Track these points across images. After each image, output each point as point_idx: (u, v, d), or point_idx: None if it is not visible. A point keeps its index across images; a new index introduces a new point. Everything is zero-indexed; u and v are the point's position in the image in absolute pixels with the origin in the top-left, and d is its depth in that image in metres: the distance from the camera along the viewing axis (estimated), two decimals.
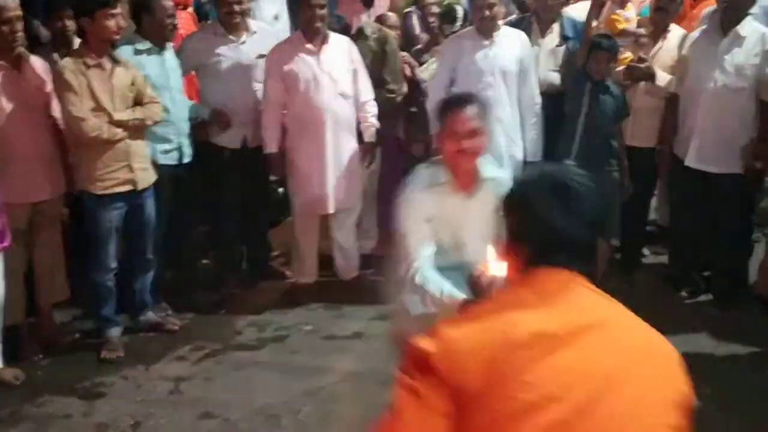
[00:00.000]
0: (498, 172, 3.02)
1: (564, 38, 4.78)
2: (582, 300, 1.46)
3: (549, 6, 4.76)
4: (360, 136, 4.63)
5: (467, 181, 2.94)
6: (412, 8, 6.02)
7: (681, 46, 4.54)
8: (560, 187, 1.53)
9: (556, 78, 4.77)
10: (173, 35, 4.39)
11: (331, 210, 4.56)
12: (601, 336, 1.40)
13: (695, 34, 4.46)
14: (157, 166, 4.13)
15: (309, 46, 4.40)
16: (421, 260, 2.87)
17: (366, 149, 4.67)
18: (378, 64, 4.77)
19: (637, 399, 1.35)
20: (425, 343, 1.38)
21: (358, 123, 4.61)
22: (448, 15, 5.28)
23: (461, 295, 2.70)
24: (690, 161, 4.33)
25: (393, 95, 4.82)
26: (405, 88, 4.97)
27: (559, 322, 1.38)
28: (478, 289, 2.47)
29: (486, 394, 1.31)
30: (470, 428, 1.32)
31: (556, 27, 4.79)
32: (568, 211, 1.50)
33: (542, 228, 1.50)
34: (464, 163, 2.89)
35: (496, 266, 2.30)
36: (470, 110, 2.85)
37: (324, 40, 4.42)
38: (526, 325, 1.36)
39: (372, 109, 4.62)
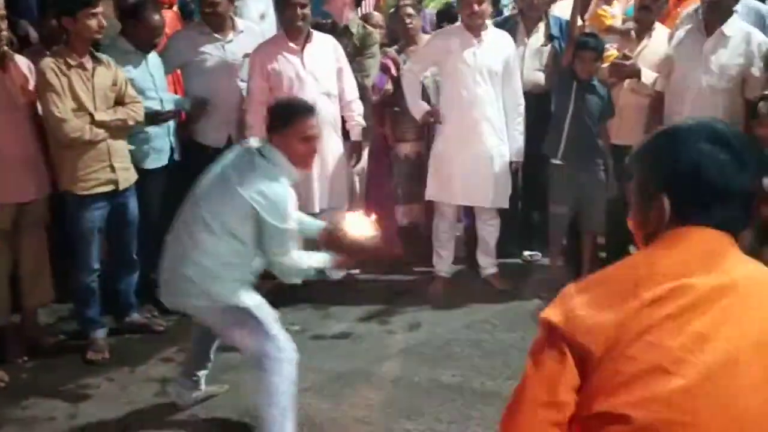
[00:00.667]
0: None
1: (550, 38, 4.78)
2: (734, 262, 1.33)
3: (535, 5, 4.76)
4: (346, 135, 4.62)
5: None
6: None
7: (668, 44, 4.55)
8: (720, 134, 1.36)
9: (541, 78, 4.77)
10: (158, 45, 4.39)
11: (316, 209, 4.55)
12: (743, 301, 1.29)
13: (680, 33, 4.47)
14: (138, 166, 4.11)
15: (292, 45, 4.38)
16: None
17: (352, 148, 4.66)
18: (359, 59, 4.74)
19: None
20: (551, 313, 1.32)
21: (344, 122, 4.60)
22: (446, 13, 5.27)
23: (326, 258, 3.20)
24: None
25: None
26: (389, 86, 4.97)
27: (702, 281, 1.28)
28: (331, 244, 3.18)
29: (609, 356, 1.25)
30: (591, 392, 1.27)
31: (542, 26, 4.80)
32: (736, 160, 1.33)
33: (706, 178, 1.33)
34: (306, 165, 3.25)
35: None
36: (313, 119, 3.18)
37: (308, 39, 4.40)
38: (662, 283, 1.28)
39: (358, 107, 4.61)
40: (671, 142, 1.38)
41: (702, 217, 1.34)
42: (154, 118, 4.18)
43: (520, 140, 4.59)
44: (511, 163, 4.59)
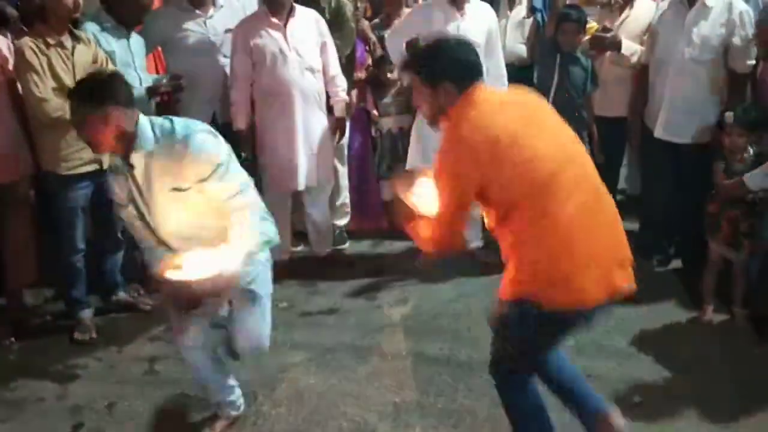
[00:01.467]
0: None
1: (532, 10, 4.77)
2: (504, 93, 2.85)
3: None
4: (330, 110, 4.60)
5: None
6: None
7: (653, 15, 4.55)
8: (452, 39, 2.70)
9: (523, 50, 4.76)
10: (140, 19, 4.32)
11: (302, 186, 4.54)
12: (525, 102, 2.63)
13: (663, 4, 4.46)
14: None
15: (275, 20, 4.33)
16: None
17: (336, 124, 4.65)
18: (332, 32, 4.70)
19: (557, 122, 2.63)
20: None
21: (328, 97, 4.58)
22: None
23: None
24: (659, 132, 4.36)
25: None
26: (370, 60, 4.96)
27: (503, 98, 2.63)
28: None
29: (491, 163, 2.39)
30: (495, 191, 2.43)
31: None
32: (464, 49, 2.60)
33: (460, 63, 2.54)
34: None
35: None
36: None
37: (290, 13, 4.36)
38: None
39: (341, 83, 4.58)
40: (431, 52, 2.62)
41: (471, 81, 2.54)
42: (150, 91, 4.14)
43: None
44: None
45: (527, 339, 2.57)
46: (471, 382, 3.50)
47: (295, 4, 4.41)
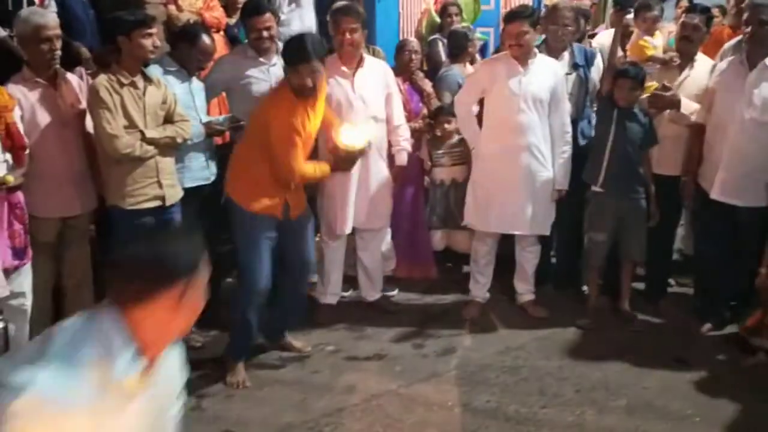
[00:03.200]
0: None
1: (574, 66, 4.81)
2: None
3: (559, 36, 4.78)
4: (390, 159, 4.68)
5: None
6: (437, 35, 6.10)
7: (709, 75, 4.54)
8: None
9: (567, 106, 4.77)
10: (201, 63, 4.49)
11: (349, 230, 4.59)
12: None
13: (722, 64, 4.45)
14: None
15: (344, 68, 4.46)
16: None
17: (396, 172, 4.71)
18: None
19: None
20: None
21: (389, 146, 4.66)
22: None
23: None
24: (715, 194, 4.30)
25: None
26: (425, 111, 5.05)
27: None
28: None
29: None
30: None
31: (566, 55, 4.81)
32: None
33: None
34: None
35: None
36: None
37: (359, 63, 4.48)
38: None
39: (404, 133, 4.68)
40: None
41: None
42: (206, 126, 4.30)
43: (565, 168, 4.59)
44: (556, 191, 4.58)
45: None
46: None
47: (365, 55, 4.52)
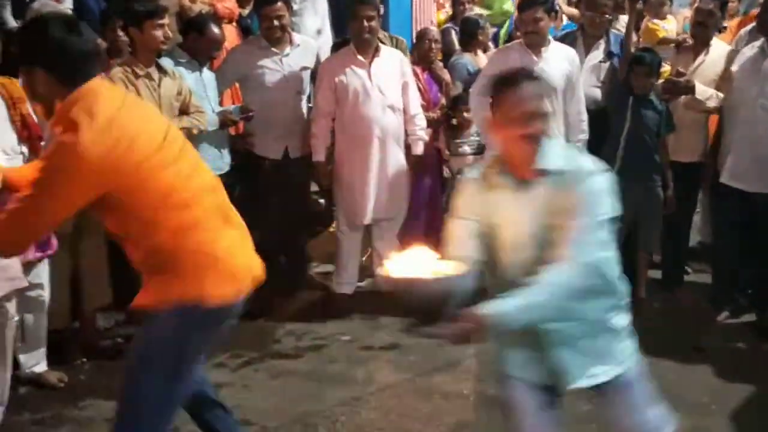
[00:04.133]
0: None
1: (609, 54, 4.76)
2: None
3: (597, 23, 4.74)
4: (407, 148, 4.67)
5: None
6: (449, 24, 6.08)
7: (728, 60, 4.48)
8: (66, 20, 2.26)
9: (598, 93, 4.74)
10: (216, 58, 4.50)
11: (368, 220, 4.60)
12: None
13: (746, 49, 4.40)
14: None
15: (360, 58, 4.46)
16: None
17: (413, 162, 4.71)
18: None
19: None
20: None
21: (406, 135, 4.65)
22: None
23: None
24: (724, 178, 4.27)
25: None
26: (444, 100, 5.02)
27: None
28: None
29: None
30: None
31: (602, 43, 4.77)
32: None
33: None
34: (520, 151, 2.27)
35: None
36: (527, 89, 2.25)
37: (376, 52, 4.47)
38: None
39: (421, 122, 4.68)
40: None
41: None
42: (220, 115, 4.32)
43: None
44: None
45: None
46: None
47: (381, 44, 4.51)
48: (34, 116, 3.58)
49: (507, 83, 2.25)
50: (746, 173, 4.18)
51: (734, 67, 4.38)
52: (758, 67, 4.16)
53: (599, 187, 2.26)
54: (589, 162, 2.29)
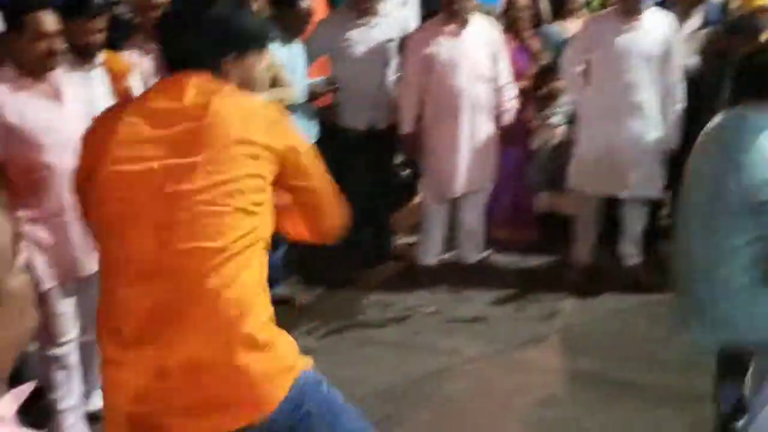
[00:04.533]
0: None
1: (707, 23, 4.55)
2: None
3: None
4: (496, 119, 4.62)
5: None
6: None
7: None
8: None
9: (695, 62, 4.54)
10: (303, 29, 4.53)
11: (459, 193, 4.58)
12: None
13: None
14: None
15: (449, 28, 4.41)
16: None
17: (503, 132, 4.65)
18: None
19: None
20: None
21: (496, 106, 4.59)
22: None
23: None
24: None
25: None
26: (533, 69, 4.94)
27: None
28: None
29: None
30: None
31: (699, 10, 4.57)
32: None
33: None
34: None
35: None
36: None
37: (465, 22, 4.42)
38: None
39: (511, 92, 4.61)
40: None
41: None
42: (313, 91, 4.40)
43: (676, 127, 4.38)
44: (665, 150, 4.38)
45: None
46: (623, 399, 3.38)
47: (471, 14, 4.45)
48: (134, 91, 3.68)
49: None
50: None
51: None
52: None
53: None
54: None
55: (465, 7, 4.40)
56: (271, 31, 4.29)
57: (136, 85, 3.61)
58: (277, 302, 4.37)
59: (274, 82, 4.07)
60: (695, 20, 4.55)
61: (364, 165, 4.70)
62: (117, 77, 3.53)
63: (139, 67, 3.71)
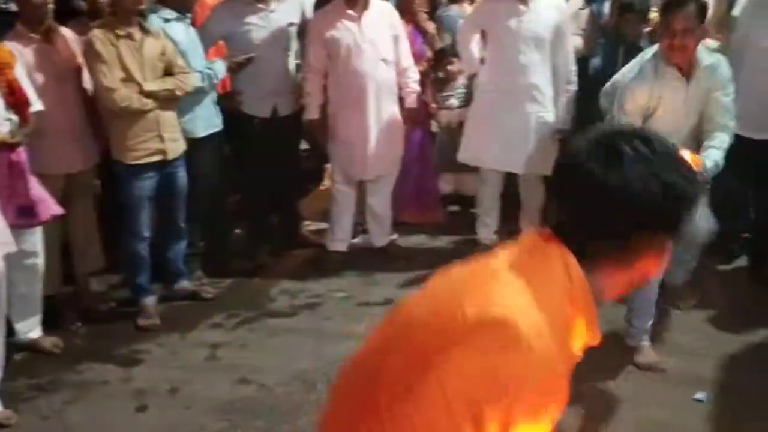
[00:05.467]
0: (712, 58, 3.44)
1: (587, 1, 4.70)
2: None
3: None
4: (400, 101, 4.62)
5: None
6: None
7: (719, 3, 4.41)
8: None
9: (578, 42, 4.67)
10: (193, 3, 4.41)
11: (370, 176, 4.58)
12: None
13: None
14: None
15: (350, 12, 4.38)
16: None
17: (407, 115, 4.66)
18: None
19: None
20: None
21: (399, 88, 4.60)
22: None
23: None
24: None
25: None
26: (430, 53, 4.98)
27: None
28: None
29: None
30: None
31: None
32: None
33: None
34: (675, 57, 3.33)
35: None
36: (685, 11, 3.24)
37: (365, 5, 4.40)
38: None
39: (413, 75, 4.63)
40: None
41: None
42: (234, 66, 4.38)
43: (567, 108, 4.50)
44: (557, 130, 4.49)
45: None
46: None
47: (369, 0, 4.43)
48: (21, 82, 3.52)
49: None
50: (757, 120, 4.09)
51: (736, 12, 4.28)
52: (763, 8, 4.06)
53: None
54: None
55: None
56: (169, 15, 4.18)
57: (21, 77, 3.46)
58: (183, 296, 4.31)
59: (170, 69, 3.95)
60: (576, 0, 4.68)
61: (268, 153, 4.64)
62: (2, 68, 3.38)
63: (20, 58, 3.56)
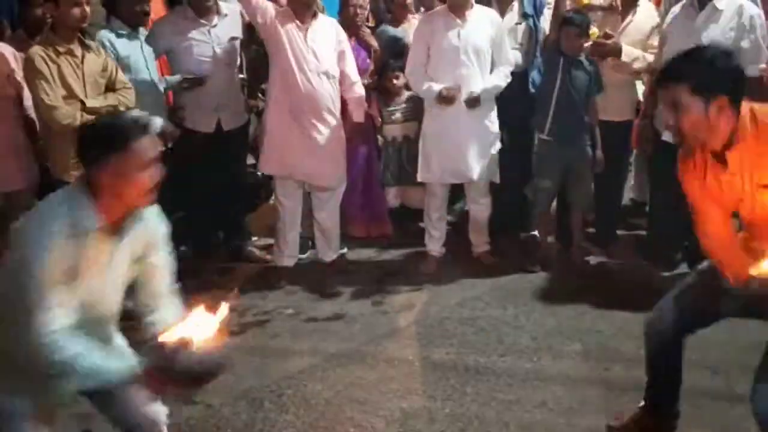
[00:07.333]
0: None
1: (524, 16, 4.79)
2: None
3: None
4: (344, 115, 4.61)
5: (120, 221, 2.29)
6: None
7: (660, 20, 4.54)
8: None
9: (518, 56, 4.76)
10: (145, 21, 4.38)
11: (315, 191, 4.56)
12: None
13: (676, 8, 4.44)
14: None
15: (297, 21, 4.32)
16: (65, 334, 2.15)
17: (352, 129, 4.66)
18: None
19: None
20: None
21: (343, 103, 4.58)
22: None
23: (136, 363, 2.26)
24: (666, 135, 4.34)
25: None
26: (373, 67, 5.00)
27: None
28: (162, 355, 2.21)
29: None
30: None
31: (515, 5, 4.79)
32: None
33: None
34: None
35: (181, 329, 2.23)
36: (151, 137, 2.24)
37: (314, 16, 4.38)
38: None
39: (360, 89, 4.62)
40: None
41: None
42: (189, 81, 4.41)
43: (494, 84, 4.53)
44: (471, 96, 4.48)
45: None
46: (478, 386, 3.50)
47: (318, 12, 4.43)
48: None
49: None
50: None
51: (665, 25, 4.43)
52: (691, 23, 4.20)
53: None
54: None
55: (314, 1, 4.38)
56: (121, 29, 4.14)
57: None
58: (125, 318, 4.20)
59: (111, 86, 3.90)
60: (513, 14, 4.77)
61: (213, 168, 4.60)
62: None
63: None
